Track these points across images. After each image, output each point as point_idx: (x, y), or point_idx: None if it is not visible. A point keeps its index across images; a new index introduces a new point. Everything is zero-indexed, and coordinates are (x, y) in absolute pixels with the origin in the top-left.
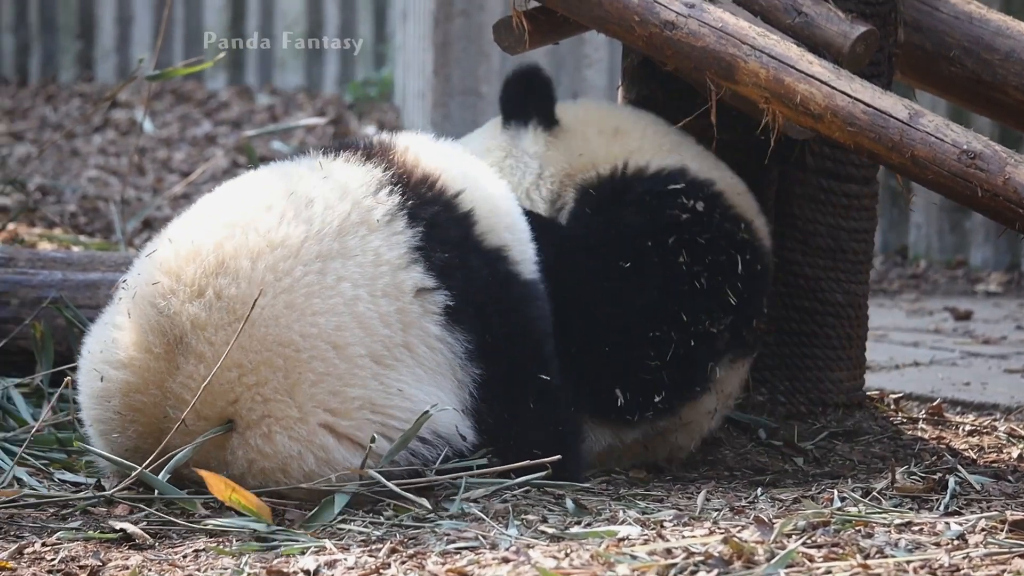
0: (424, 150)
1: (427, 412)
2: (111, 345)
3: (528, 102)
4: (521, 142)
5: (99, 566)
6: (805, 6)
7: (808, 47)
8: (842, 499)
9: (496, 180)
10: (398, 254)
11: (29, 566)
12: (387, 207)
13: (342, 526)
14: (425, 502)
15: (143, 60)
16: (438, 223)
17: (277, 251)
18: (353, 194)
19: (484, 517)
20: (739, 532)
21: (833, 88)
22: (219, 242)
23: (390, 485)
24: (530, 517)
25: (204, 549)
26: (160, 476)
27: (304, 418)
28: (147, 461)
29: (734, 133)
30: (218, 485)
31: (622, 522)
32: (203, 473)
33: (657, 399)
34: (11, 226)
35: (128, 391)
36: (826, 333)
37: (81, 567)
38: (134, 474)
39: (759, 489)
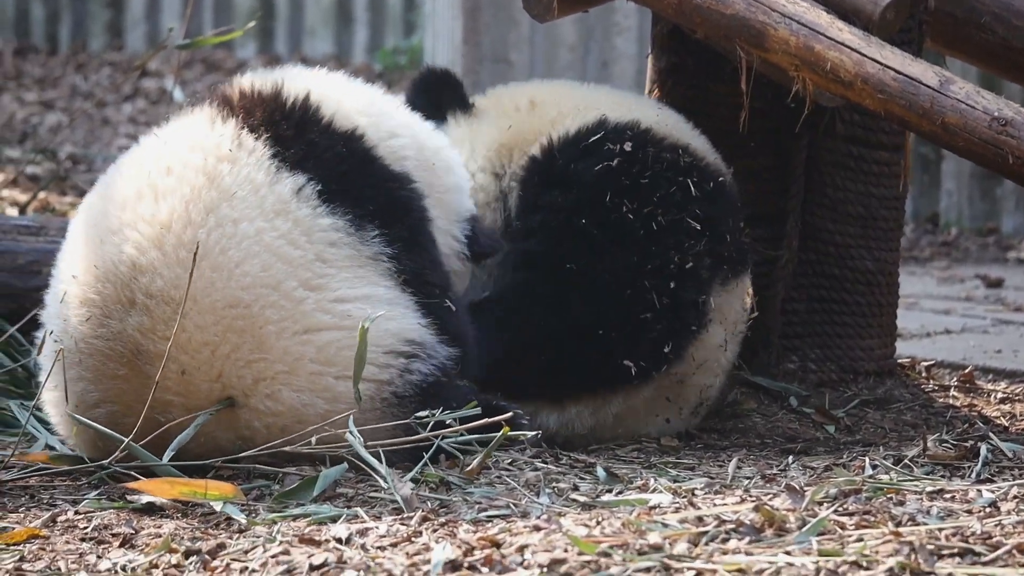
0: (260, 76)
1: (368, 320)
2: (81, 393)
3: (441, 98)
4: (450, 133)
5: (132, 534)
6: None
7: (838, 14)
8: (873, 467)
9: (347, 81)
10: (264, 170)
11: (62, 534)
12: (228, 134)
13: (374, 494)
14: (383, 471)
15: (173, 29)
16: (276, 121)
17: (174, 227)
18: (197, 141)
19: (515, 485)
20: (770, 500)
21: (863, 55)
22: (118, 250)
23: (364, 454)
24: (561, 485)
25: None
26: (164, 459)
27: (293, 369)
28: (134, 435)
29: (764, 101)
30: (160, 487)
31: (653, 490)
32: (136, 485)
33: (659, 350)
34: (42, 195)
35: (115, 419)
36: (856, 301)
37: (114, 535)
38: (122, 447)
39: (790, 457)
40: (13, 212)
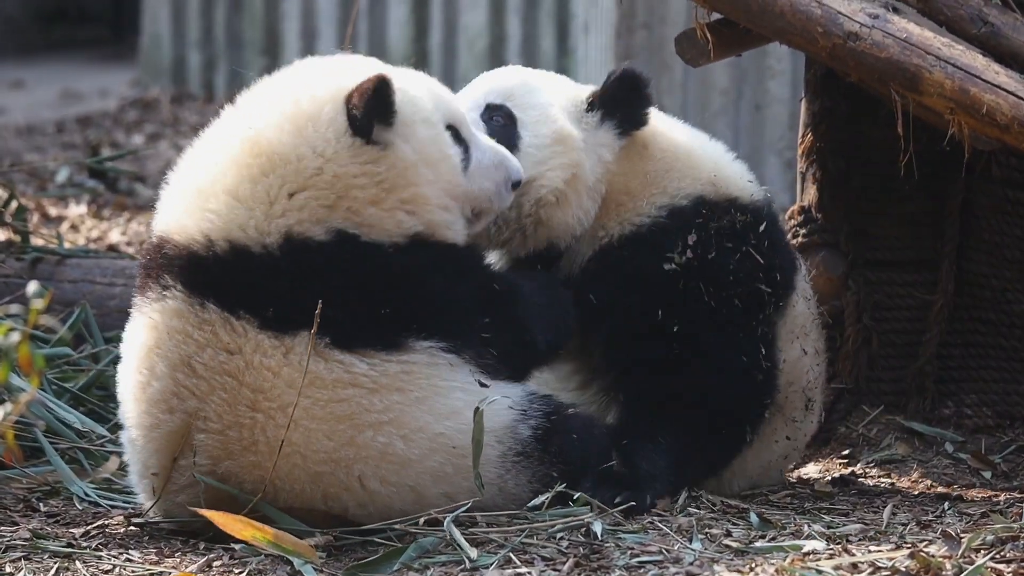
0: None
1: (479, 409)
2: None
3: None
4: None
5: None
6: (991, 16)
7: (994, 57)
8: None
9: None
10: None
11: None
12: None
13: (526, 539)
14: (474, 553)
15: None
16: None
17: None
18: None
19: (668, 531)
20: (926, 547)
21: (1020, 99)
22: None
23: (458, 537)
24: (714, 531)
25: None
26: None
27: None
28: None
29: (919, 144)
30: (235, 525)
31: (807, 536)
32: (213, 515)
33: (762, 405)
34: None
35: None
36: (1013, 345)
37: None
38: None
39: (946, 503)
40: None
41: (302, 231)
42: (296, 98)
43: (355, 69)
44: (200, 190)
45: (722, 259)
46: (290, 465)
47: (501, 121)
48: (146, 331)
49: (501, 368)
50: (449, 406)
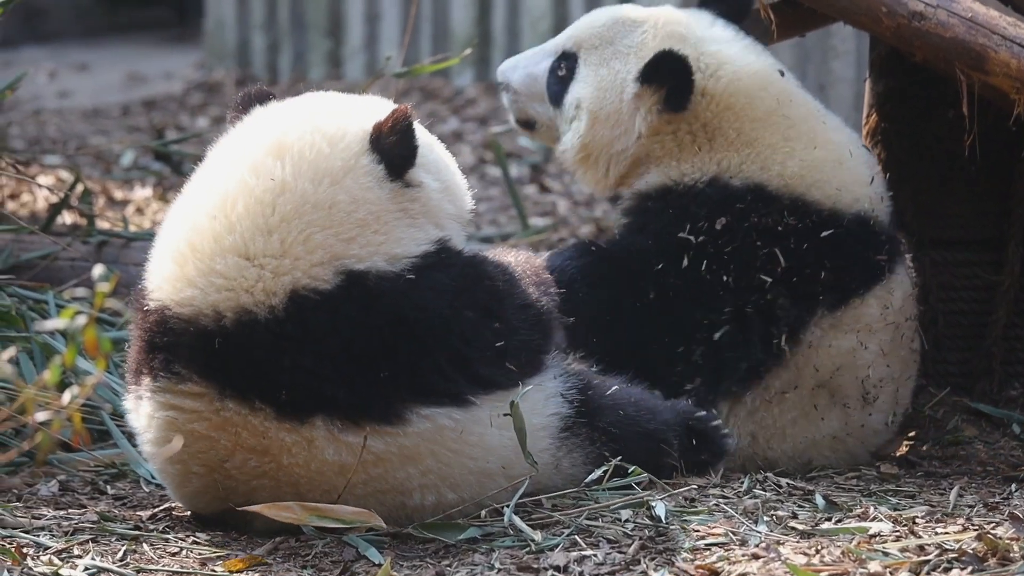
0: None
1: (518, 397)
2: None
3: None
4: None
5: (351, 561)
6: None
7: None
8: None
9: None
10: None
11: (284, 561)
12: None
13: (589, 520)
14: (538, 536)
15: (390, 57)
16: None
17: None
18: None
19: (734, 513)
20: (993, 529)
21: None
22: None
23: (518, 522)
24: (780, 513)
25: (453, 545)
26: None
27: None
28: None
29: (985, 123)
30: (289, 512)
31: (873, 518)
32: (263, 509)
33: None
34: None
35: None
36: None
37: (334, 562)
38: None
39: (1013, 485)
40: None
41: (309, 283)
42: (321, 146)
43: (365, 108)
44: (200, 250)
45: (740, 254)
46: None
47: (563, 73)
48: (168, 427)
49: (516, 374)
50: (484, 443)
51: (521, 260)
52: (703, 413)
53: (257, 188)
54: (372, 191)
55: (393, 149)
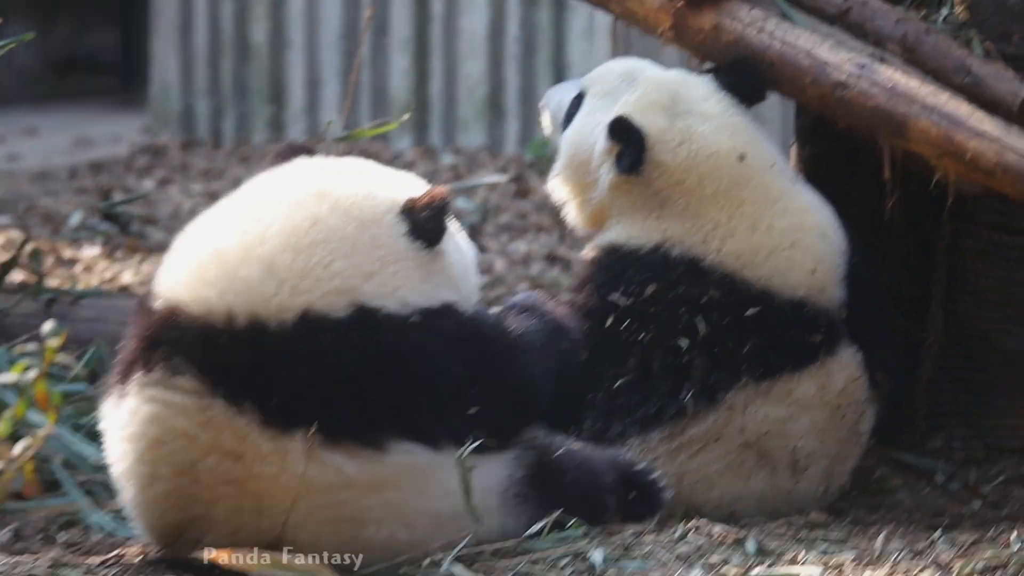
0: None
1: (462, 454)
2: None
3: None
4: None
5: None
6: (975, 66)
7: (979, 105)
8: (1020, 541)
9: None
10: None
11: None
12: None
13: (529, 569)
14: None
15: (331, 122)
16: None
17: None
18: None
19: (668, 559)
20: (919, 574)
21: (1003, 145)
22: None
23: (458, 569)
24: (713, 559)
25: None
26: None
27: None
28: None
29: (907, 189)
30: (243, 559)
31: (803, 563)
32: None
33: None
34: None
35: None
36: (1000, 381)
37: None
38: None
39: (938, 532)
40: None
41: (322, 307)
42: (357, 198)
43: (400, 181)
44: (227, 256)
45: (661, 318)
46: (302, 553)
47: (572, 109)
48: (148, 422)
49: (493, 438)
50: (444, 487)
51: (534, 324)
52: (641, 467)
53: (294, 216)
54: (397, 241)
55: (426, 222)
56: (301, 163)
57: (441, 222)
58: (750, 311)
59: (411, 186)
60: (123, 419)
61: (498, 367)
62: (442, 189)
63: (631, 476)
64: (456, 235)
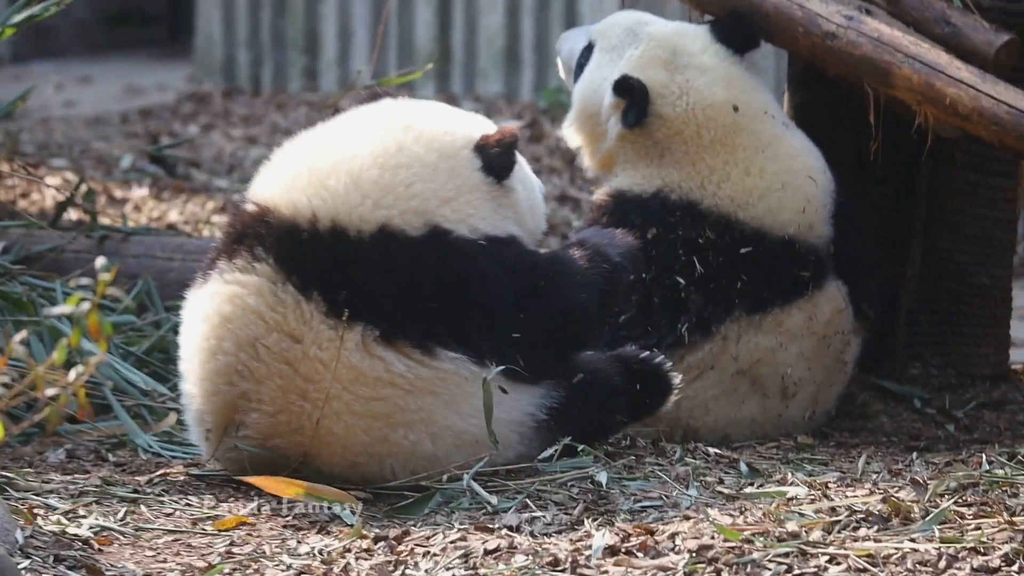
0: None
1: (489, 375)
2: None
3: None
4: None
5: (327, 522)
6: (953, 17)
7: (956, 54)
8: (990, 462)
9: None
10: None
11: (266, 521)
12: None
13: (540, 488)
14: (494, 500)
15: (361, 71)
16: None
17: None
18: None
19: (667, 479)
20: (897, 492)
21: (979, 91)
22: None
23: (475, 486)
24: (708, 479)
25: (416, 506)
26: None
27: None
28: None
29: (890, 133)
30: (278, 486)
31: (791, 483)
32: (256, 480)
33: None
34: None
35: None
36: (974, 313)
37: (312, 523)
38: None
39: (914, 454)
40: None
41: (400, 224)
42: (438, 131)
43: (475, 120)
44: (318, 169)
45: (662, 259)
46: (330, 452)
47: (583, 59)
48: (223, 301)
49: (532, 370)
50: (474, 406)
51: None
52: (646, 355)
53: (382, 142)
54: (472, 173)
55: (497, 158)
56: (388, 102)
57: (511, 158)
58: (744, 250)
59: (484, 125)
60: (202, 301)
61: (547, 300)
62: (512, 128)
63: (637, 363)
64: (526, 174)
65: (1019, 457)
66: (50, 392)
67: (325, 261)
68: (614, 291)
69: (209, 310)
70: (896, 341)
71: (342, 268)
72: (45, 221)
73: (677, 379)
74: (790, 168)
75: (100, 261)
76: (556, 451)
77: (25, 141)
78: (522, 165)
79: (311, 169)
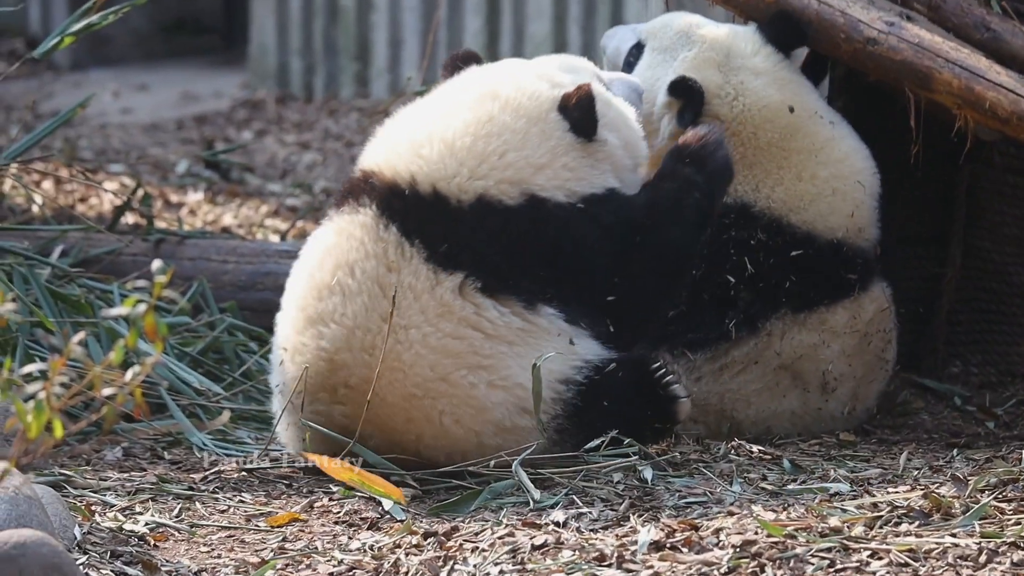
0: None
1: (539, 360)
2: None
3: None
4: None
5: (377, 518)
6: (993, 23)
7: (996, 60)
8: None
9: None
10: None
11: (318, 518)
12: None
13: (584, 482)
14: (537, 494)
15: (411, 77)
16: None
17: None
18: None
19: (711, 475)
20: (938, 488)
21: (1018, 95)
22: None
23: (525, 481)
24: (751, 476)
25: (464, 502)
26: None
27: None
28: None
29: (930, 136)
30: (335, 469)
31: (833, 480)
32: (318, 459)
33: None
34: (300, 223)
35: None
36: (1013, 312)
37: (363, 519)
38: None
39: (955, 450)
40: (275, 239)
41: (497, 194)
42: (522, 99)
43: (556, 75)
44: (415, 139)
45: (713, 258)
46: (391, 379)
47: (632, 59)
48: (329, 233)
49: (617, 334)
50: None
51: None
52: (659, 372)
53: (471, 113)
54: (564, 135)
55: (579, 120)
56: (473, 70)
57: (592, 115)
58: (794, 253)
59: (564, 80)
60: (312, 241)
61: (646, 252)
62: (586, 85)
63: (649, 385)
64: (613, 116)
65: None
66: (107, 392)
67: (427, 219)
68: (709, 215)
69: (317, 242)
70: (937, 340)
71: (444, 227)
72: (103, 225)
73: (684, 406)
74: (840, 173)
75: (156, 264)
76: (603, 443)
77: (83, 147)
78: (607, 106)
79: (409, 138)
